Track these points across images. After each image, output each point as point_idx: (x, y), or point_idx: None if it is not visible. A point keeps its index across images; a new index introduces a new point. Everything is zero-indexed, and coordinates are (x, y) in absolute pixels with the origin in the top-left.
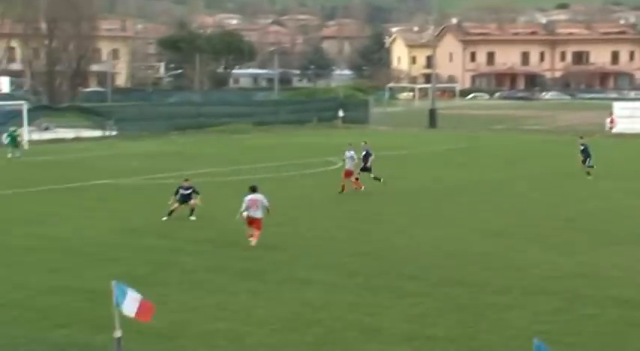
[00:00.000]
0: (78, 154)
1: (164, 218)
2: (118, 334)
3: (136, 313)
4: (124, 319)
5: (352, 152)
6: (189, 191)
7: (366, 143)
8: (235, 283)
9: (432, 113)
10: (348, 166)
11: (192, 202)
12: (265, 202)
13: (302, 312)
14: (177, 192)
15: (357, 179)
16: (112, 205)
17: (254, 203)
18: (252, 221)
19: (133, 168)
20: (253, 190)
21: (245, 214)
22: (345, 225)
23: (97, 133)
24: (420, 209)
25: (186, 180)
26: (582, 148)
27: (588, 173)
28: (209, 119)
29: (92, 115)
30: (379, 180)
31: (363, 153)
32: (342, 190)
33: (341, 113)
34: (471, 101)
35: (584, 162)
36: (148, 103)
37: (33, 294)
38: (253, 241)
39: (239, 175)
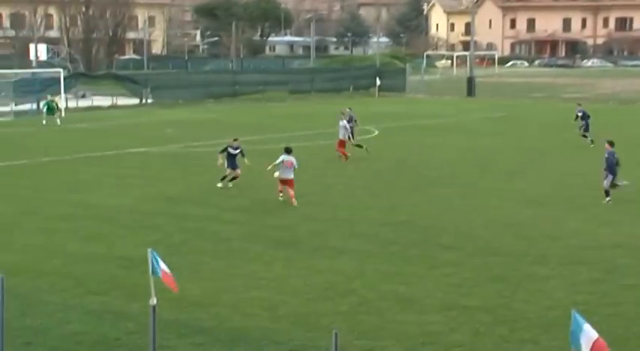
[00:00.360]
0: (114, 122)
1: (218, 184)
2: (153, 301)
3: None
4: (159, 287)
5: (345, 122)
6: (237, 151)
7: (350, 109)
8: (270, 252)
9: (471, 81)
10: (342, 135)
11: (238, 170)
12: (296, 164)
13: (336, 281)
14: (225, 149)
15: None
16: (147, 173)
17: (288, 164)
18: (284, 181)
19: (168, 136)
20: (288, 151)
21: (277, 174)
22: (379, 194)
23: (133, 100)
24: (456, 178)
25: (236, 139)
26: (580, 114)
27: (587, 138)
28: (245, 87)
29: (128, 82)
30: (361, 147)
31: (346, 119)
32: (345, 158)
33: (378, 81)
34: (510, 69)
35: (584, 129)
36: (184, 71)
37: (69, 261)
38: (294, 201)
39: (274, 144)
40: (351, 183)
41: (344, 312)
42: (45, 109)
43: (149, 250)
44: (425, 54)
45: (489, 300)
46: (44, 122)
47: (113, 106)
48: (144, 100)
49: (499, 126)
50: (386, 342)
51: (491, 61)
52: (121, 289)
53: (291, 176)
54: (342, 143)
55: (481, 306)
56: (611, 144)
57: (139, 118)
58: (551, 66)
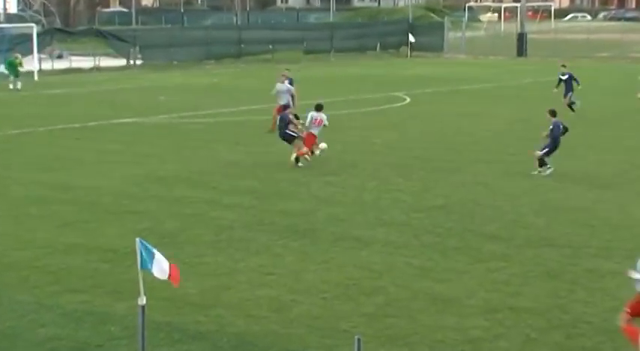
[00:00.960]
0: (96, 87)
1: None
2: (142, 301)
3: (169, 276)
4: (150, 284)
5: (288, 84)
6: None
7: (288, 70)
8: (281, 242)
9: (521, 38)
10: (285, 100)
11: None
12: (326, 121)
13: (360, 277)
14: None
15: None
16: (136, 148)
17: (317, 122)
18: (308, 135)
19: (160, 104)
20: (318, 108)
21: (310, 131)
22: (412, 174)
23: (119, 62)
24: (503, 155)
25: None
26: (565, 77)
27: (571, 108)
28: (251, 46)
29: (113, 40)
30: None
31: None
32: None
33: (411, 39)
34: (569, 23)
35: (565, 95)
36: (179, 27)
37: (42, 253)
38: (323, 145)
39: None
40: (377, 160)
41: (368, 314)
42: (7, 70)
43: (137, 239)
44: (466, 6)
45: (542, 300)
46: (11, 87)
47: (95, 69)
48: (132, 62)
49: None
50: (419, 350)
51: (546, 13)
52: (103, 287)
53: (315, 133)
54: (280, 110)
55: (532, 308)
56: (553, 113)
57: (126, 83)
58: (619, 19)
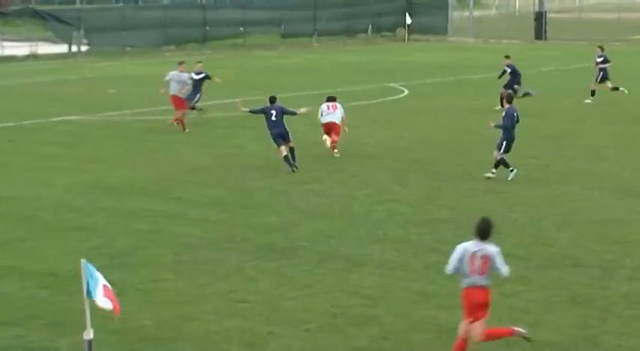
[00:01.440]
0: (32, 79)
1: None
2: (88, 335)
3: (113, 306)
4: (98, 314)
5: (186, 75)
6: (201, 75)
7: (200, 63)
8: (254, 263)
9: (540, 18)
10: (175, 90)
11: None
12: (342, 112)
13: (349, 305)
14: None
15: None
16: (81, 151)
17: (332, 107)
18: (329, 127)
19: (110, 99)
20: (332, 99)
21: (321, 120)
22: (411, 181)
23: (60, 48)
24: (520, 157)
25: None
26: (509, 69)
27: (518, 94)
28: (219, 29)
29: (53, 22)
30: (198, 110)
31: (200, 76)
32: (179, 123)
33: (408, 19)
34: (596, 0)
35: (511, 88)
36: (133, 6)
37: None
38: (336, 151)
39: None
40: (370, 165)
41: (360, 349)
42: None
43: (83, 261)
44: None
45: (568, 331)
46: None
47: (32, 56)
48: (75, 48)
49: (580, 83)
50: None
51: None
52: (42, 318)
53: (338, 121)
54: (177, 102)
55: (557, 341)
56: (510, 99)
57: (69, 74)
58: None
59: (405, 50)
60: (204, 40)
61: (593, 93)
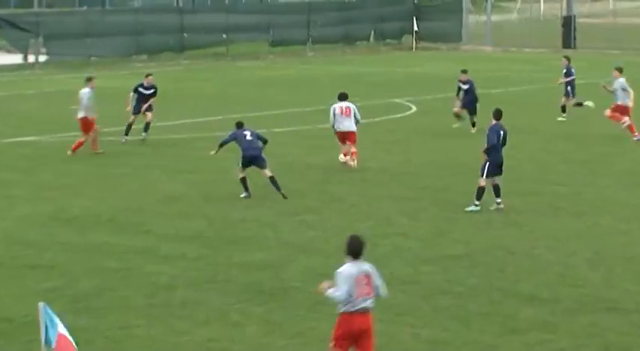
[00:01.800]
0: None
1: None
2: None
3: None
4: None
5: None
6: (151, 91)
7: (149, 76)
8: (239, 306)
9: (568, 24)
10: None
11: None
12: (357, 114)
13: None
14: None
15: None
16: (39, 178)
17: (345, 111)
18: (344, 136)
19: (73, 116)
20: (343, 97)
21: (335, 126)
22: (420, 211)
23: (14, 58)
24: (545, 184)
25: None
26: (466, 87)
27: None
28: (198, 36)
29: (7, 28)
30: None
31: (150, 91)
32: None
33: (416, 26)
34: (634, 2)
35: (466, 108)
36: (99, 10)
37: None
38: (352, 162)
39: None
40: (372, 192)
41: None
42: None
43: (41, 304)
44: None
45: None
46: None
47: None
48: (33, 58)
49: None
50: None
51: None
52: None
53: (353, 128)
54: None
55: None
56: (498, 115)
57: (25, 88)
58: None
59: (412, 60)
60: (181, 48)
61: (563, 109)
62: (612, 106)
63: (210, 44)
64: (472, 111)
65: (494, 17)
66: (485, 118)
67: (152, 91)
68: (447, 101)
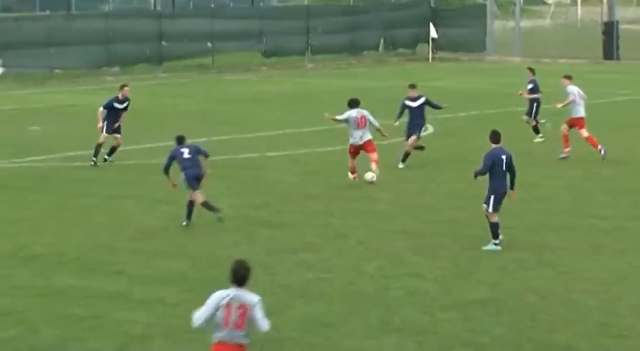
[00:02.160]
0: None
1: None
2: None
3: None
4: None
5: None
6: (125, 104)
7: (124, 87)
8: None
9: (610, 31)
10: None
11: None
12: (374, 121)
13: None
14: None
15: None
16: None
17: (360, 122)
18: (358, 149)
19: (33, 138)
20: (354, 104)
21: (350, 140)
22: (438, 249)
23: None
24: (584, 218)
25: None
26: (416, 103)
27: (421, 148)
28: (179, 45)
29: None
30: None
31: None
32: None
33: (433, 32)
34: None
35: (411, 132)
36: (64, 15)
37: None
38: (371, 176)
39: (234, 152)
40: (382, 227)
41: None
42: None
43: None
44: None
45: None
46: None
47: None
48: None
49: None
50: None
51: None
52: None
53: (368, 136)
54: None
55: None
56: (496, 138)
57: None
58: None
59: (428, 73)
60: (159, 59)
61: (535, 129)
62: (570, 120)
63: (192, 54)
64: (418, 132)
65: (524, 23)
66: (512, 140)
67: (125, 104)
68: (468, 121)
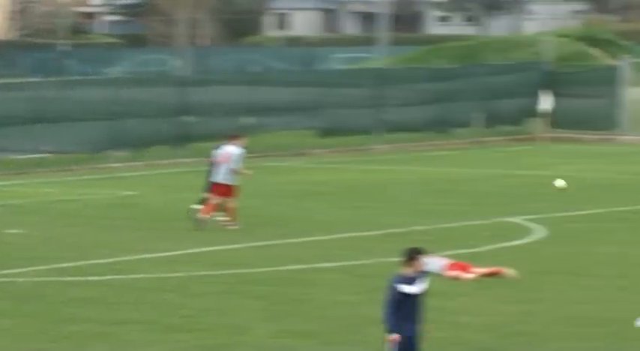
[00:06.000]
0: None
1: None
2: None
3: None
4: None
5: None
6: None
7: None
8: None
9: None
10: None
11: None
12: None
13: None
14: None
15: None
16: None
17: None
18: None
19: (13, 246)
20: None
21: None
22: None
23: None
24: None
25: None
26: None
27: None
28: (207, 121)
29: None
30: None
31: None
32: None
33: (547, 102)
34: None
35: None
36: (58, 81)
37: None
38: None
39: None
40: None
41: None
42: None
43: None
44: None
45: None
46: None
47: None
48: None
49: None
50: None
51: None
52: None
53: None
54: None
55: None
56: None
57: None
58: None
59: (540, 158)
60: (180, 140)
61: None
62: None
63: (225, 133)
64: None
65: None
66: None
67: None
68: (591, 221)
